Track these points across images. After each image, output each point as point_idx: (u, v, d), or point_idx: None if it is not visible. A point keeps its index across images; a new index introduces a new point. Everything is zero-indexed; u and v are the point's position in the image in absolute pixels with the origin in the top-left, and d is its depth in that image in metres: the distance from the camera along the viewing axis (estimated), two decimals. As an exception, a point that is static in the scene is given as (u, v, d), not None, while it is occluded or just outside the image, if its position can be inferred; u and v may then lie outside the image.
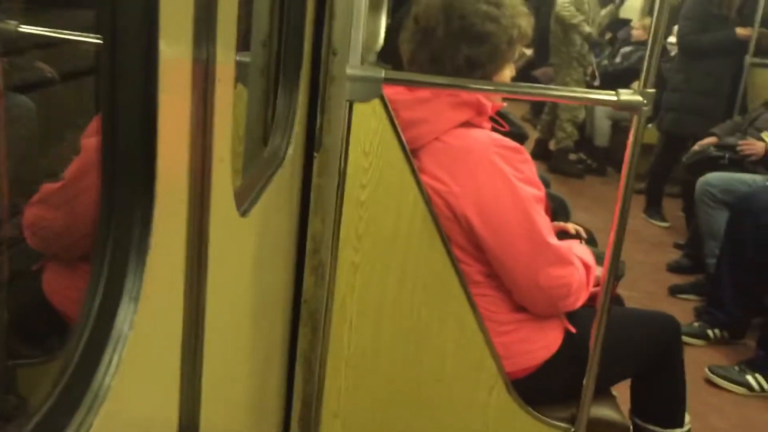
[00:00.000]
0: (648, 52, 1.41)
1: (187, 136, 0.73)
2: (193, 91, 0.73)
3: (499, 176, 1.54)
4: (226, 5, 0.79)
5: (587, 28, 5.85)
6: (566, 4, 5.81)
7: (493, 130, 1.69)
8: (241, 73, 1.38)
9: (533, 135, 6.22)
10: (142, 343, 0.65)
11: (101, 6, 0.62)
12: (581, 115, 6.03)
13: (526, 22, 1.67)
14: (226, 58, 0.80)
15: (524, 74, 6.57)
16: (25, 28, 1.44)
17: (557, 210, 2.31)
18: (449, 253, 1.55)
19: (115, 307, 0.63)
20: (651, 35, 1.41)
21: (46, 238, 1.47)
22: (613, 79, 5.74)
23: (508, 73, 1.70)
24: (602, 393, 1.74)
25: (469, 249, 1.60)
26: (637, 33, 6.37)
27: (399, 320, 1.59)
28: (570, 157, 6.20)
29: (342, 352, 1.59)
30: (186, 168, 0.73)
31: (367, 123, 1.48)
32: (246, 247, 1.04)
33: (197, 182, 0.75)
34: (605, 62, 6.55)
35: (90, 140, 1.36)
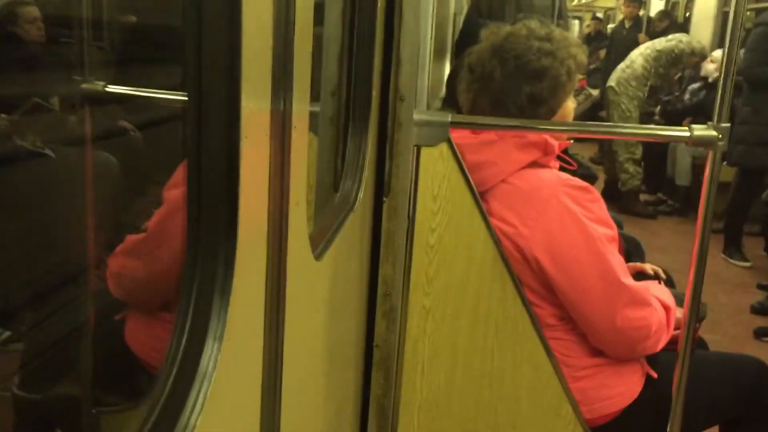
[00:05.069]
0: (720, 86, 1.38)
1: (266, 181, 0.76)
2: (272, 138, 0.76)
3: (569, 216, 1.52)
4: (301, 60, 0.83)
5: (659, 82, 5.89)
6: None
7: (561, 169, 1.68)
8: (312, 123, 1.43)
9: (602, 176, 6.11)
10: (225, 383, 0.67)
11: (187, 66, 0.66)
12: (638, 151, 5.92)
13: (580, 51, 1.67)
14: (301, 108, 0.84)
15: (591, 115, 6.51)
16: (113, 88, 1.54)
17: (631, 251, 2.24)
18: (521, 295, 1.52)
19: (201, 346, 0.65)
20: (723, 67, 1.38)
21: (129, 288, 1.53)
22: (682, 117, 5.63)
23: (570, 104, 1.69)
24: (688, 442, 1.66)
25: (541, 291, 1.57)
26: (710, 67, 6.21)
27: (472, 365, 1.57)
28: (642, 197, 6.05)
29: (415, 397, 1.58)
30: (265, 212, 0.76)
31: (435, 167, 1.49)
32: (320, 290, 1.06)
33: (276, 225, 0.77)
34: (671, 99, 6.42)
35: (172, 192, 1.42)
